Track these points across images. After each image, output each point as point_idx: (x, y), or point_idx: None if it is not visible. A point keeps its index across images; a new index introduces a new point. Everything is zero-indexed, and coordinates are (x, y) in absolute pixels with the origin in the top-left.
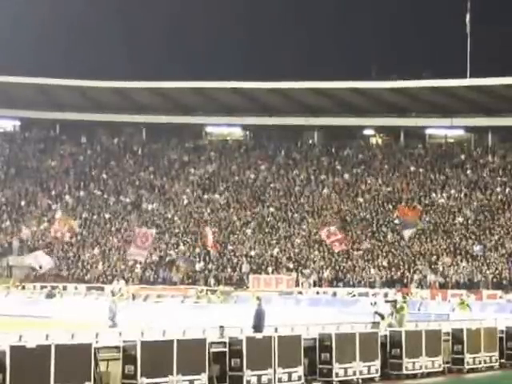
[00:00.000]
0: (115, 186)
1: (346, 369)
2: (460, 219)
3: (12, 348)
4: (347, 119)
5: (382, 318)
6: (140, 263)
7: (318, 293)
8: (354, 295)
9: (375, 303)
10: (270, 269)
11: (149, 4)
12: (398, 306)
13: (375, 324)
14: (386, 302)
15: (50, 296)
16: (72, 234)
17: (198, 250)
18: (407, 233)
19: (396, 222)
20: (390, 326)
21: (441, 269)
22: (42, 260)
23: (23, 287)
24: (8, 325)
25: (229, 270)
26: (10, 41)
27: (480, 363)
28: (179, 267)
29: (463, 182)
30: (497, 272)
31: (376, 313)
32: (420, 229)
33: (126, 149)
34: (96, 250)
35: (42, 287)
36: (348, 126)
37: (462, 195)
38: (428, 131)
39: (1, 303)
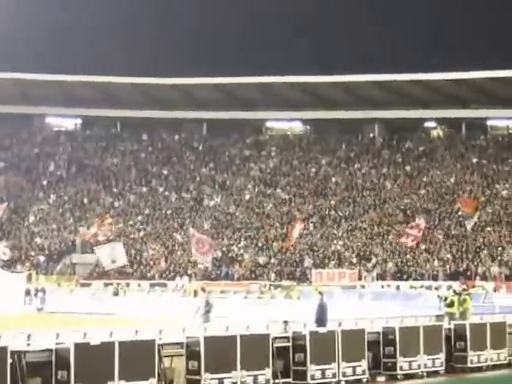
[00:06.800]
0: (176, 183)
1: (410, 362)
2: None
3: (76, 345)
4: (408, 112)
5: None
6: (206, 268)
7: (381, 286)
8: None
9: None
10: (332, 263)
11: (208, 2)
12: (461, 298)
13: (439, 317)
14: (455, 292)
15: (115, 293)
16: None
17: (260, 244)
18: (469, 223)
19: (459, 213)
20: (451, 316)
21: (505, 260)
22: (118, 253)
23: (87, 284)
24: (72, 322)
25: (291, 264)
26: (70, 40)
27: None
28: None
29: None
30: None
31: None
32: (479, 220)
33: (187, 145)
34: (159, 247)
35: (106, 284)
36: (409, 118)
37: None
38: (490, 122)
39: (65, 300)
